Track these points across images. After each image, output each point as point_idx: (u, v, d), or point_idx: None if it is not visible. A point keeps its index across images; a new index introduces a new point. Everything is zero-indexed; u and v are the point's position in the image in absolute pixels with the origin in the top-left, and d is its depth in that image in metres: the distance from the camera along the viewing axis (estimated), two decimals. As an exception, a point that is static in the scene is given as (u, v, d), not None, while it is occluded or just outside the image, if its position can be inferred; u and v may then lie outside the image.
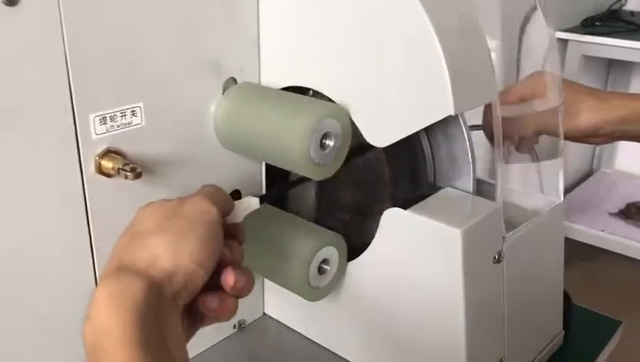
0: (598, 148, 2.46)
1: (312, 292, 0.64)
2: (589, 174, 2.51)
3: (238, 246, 0.49)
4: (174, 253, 0.42)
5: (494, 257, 0.60)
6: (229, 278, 0.46)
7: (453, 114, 0.53)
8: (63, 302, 0.56)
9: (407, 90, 0.56)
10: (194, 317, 0.46)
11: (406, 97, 0.56)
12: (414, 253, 0.60)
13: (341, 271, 0.66)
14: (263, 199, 0.55)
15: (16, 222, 0.51)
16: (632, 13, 2.17)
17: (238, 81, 0.64)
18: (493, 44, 0.58)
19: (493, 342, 0.63)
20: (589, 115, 0.71)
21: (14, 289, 0.53)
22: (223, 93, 0.63)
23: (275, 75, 0.65)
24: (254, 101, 0.62)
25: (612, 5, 2.15)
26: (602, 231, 2.11)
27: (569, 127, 0.70)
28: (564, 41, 1.98)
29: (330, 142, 0.58)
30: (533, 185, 0.73)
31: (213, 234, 0.45)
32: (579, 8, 2.07)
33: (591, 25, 2.03)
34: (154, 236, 0.44)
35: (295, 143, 0.56)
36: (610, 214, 2.20)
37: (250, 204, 0.53)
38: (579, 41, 1.94)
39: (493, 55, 0.56)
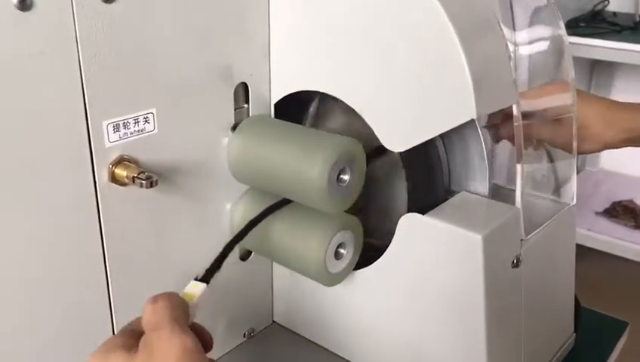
0: (582, 147, 2.48)
1: (329, 277, 0.62)
2: (573, 173, 2.53)
3: None
4: None
5: (513, 261, 0.59)
6: None
7: (475, 117, 0.52)
8: (74, 313, 0.54)
9: (425, 92, 0.55)
10: None
11: (423, 100, 0.55)
12: (432, 259, 0.59)
13: (356, 256, 0.64)
14: (205, 280, 0.47)
15: (28, 232, 0.49)
16: (614, 13, 2.19)
17: (249, 86, 0.63)
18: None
19: (512, 347, 0.63)
20: (593, 144, 0.73)
21: (25, 299, 0.51)
22: (235, 111, 0.63)
23: (286, 79, 0.64)
24: (267, 138, 0.61)
25: (595, 6, 2.17)
26: (589, 230, 2.13)
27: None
28: (550, 42, 1.99)
29: (346, 177, 0.57)
30: (537, 187, 0.72)
31: None
32: (563, 9, 2.08)
33: (575, 26, 2.05)
34: None
35: (313, 179, 0.55)
36: (597, 213, 2.22)
37: (196, 293, 0.45)
38: (565, 42, 1.95)
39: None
